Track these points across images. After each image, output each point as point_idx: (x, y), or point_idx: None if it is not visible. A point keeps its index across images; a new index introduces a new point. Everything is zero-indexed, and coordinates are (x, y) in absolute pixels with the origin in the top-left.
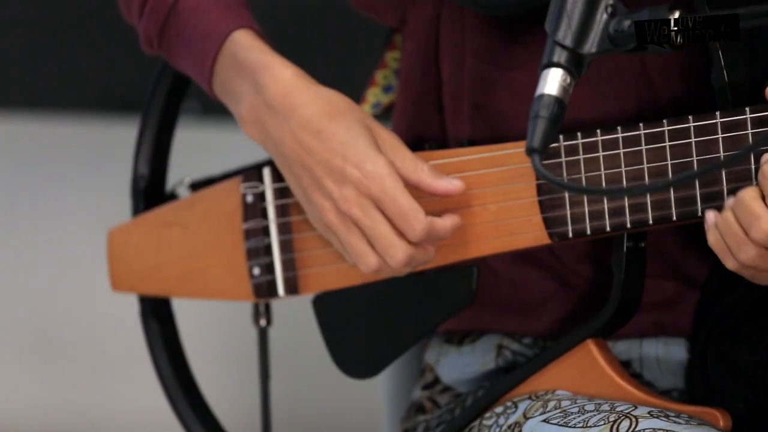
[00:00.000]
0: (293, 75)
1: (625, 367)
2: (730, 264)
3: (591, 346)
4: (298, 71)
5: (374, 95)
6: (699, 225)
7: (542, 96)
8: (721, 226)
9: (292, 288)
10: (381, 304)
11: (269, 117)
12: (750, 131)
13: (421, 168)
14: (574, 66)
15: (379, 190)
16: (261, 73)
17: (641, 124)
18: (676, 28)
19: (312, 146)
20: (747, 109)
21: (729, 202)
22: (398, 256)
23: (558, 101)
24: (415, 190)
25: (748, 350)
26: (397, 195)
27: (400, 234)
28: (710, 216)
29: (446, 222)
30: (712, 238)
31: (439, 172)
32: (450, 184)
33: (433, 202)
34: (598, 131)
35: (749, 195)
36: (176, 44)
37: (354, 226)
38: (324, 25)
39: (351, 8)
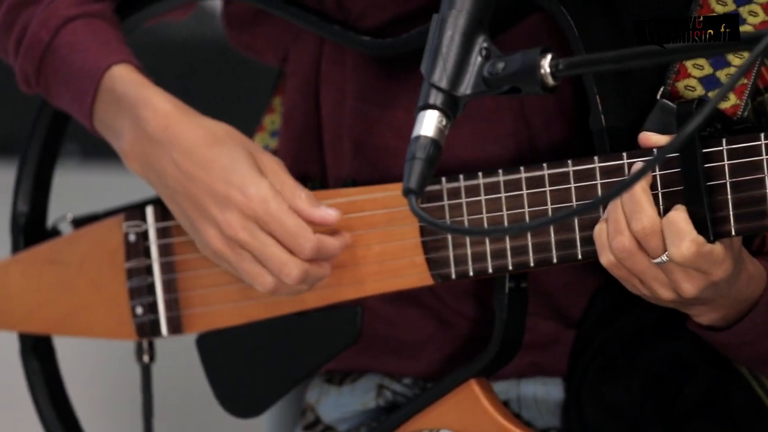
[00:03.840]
0: (173, 107)
1: (504, 406)
2: (604, 258)
3: (474, 386)
4: (177, 103)
5: (262, 140)
6: (578, 266)
7: (418, 137)
8: (609, 213)
9: (175, 327)
10: (265, 344)
11: (151, 150)
12: (627, 177)
13: (298, 195)
14: (450, 108)
15: (264, 212)
16: (141, 106)
17: (522, 168)
18: (547, 71)
19: (195, 175)
20: (624, 154)
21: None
22: (293, 273)
23: (434, 142)
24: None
25: (622, 387)
26: (282, 216)
27: (292, 253)
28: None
29: (335, 241)
30: (598, 229)
31: (317, 201)
32: (326, 214)
33: (319, 231)
34: (480, 174)
35: (640, 186)
36: (54, 82)
37: (243, 251)
38: (211, 68)
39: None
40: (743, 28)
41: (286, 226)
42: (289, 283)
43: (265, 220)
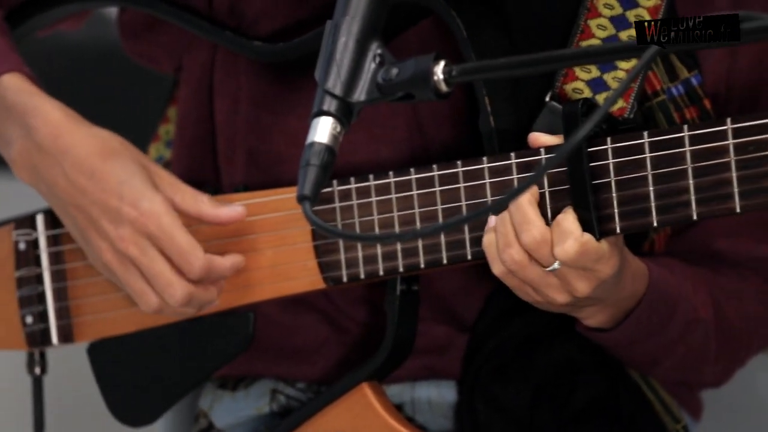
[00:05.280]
0: (64, 116)
1: (398, 410)
2: (496, 269)
3: (366, 390)
4: (69, 112)
5: (157, 150)
6: (469, 269)
7: (313, 144)
8: (497, 225)
9: (66, 336)
10: (157, 351)
11: (41, 159)
12: (516, 176)
13: (201, 200)
14: (344, 114)
15: (156, 228)
16: (31, 115)
17: (412, 169)
18: (440, 78)
19: (86, 187)
20: (512, 154)
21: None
22: (177, 294)
23: (328, 149)
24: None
25: (515, 389)
26: (174, 232)
27: (180, 272)
28: (492, 219)
29: (226, 261)
30: (487, 240)
31: (220, 202)
32: (232, 211)
33: (210, 247)
34: (371, 176)
35: (526, 198)
36: None
37: (132, 266)
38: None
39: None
40: (630, 33)
41: (177, 243)
42: (172, 305)
43: (156, 236)
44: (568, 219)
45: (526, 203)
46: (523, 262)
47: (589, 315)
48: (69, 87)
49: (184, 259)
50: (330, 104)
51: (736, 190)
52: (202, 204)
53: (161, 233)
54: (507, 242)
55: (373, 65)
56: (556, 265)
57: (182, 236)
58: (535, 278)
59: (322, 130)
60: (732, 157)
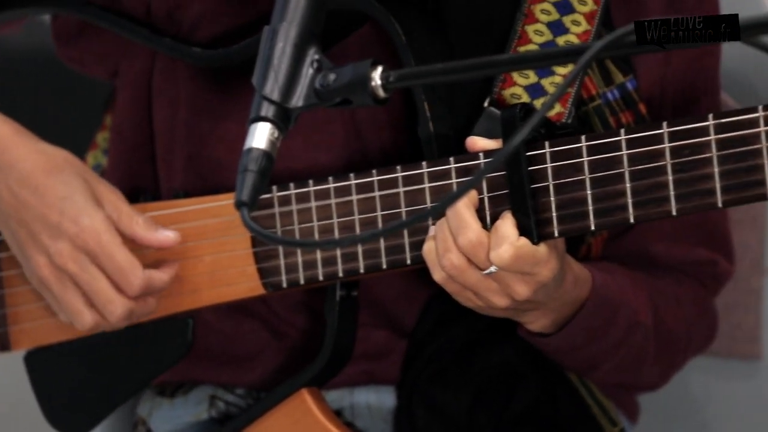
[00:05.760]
0: (12, 131)
1: (337, 415)
2: (437, 275)
3: (305, 396)
4: (16, 127)
5: (94, 158)
6: (409, 275)
7: (250, 150)
8: (437, 232)
9: (3, 344)
10: (95, 359)
11: None
12: (455, 181)
13: (136, 221)
14: (282, 120)
15: (95, 244)
16: None
17: (352, 175)
18: (378, 83)
19: (29, 201)
20: (451, 159)
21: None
22: (117, 311)
23: (266, 155)
24: (132, 242)
25: (453, 394)
26: (113, 250)
27: (119, 289)
28: (432, 228)
29: (164, 275)
30: (427, 248)
31: (155, 225)
32: (164, 236)
33: (149, 254)
34: (311, 182)
35: (463, 202)
36: None
37: (69, 282)
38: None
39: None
40: (567, 38)
41: (116, 260)
42: (111, 321)
43: (96, 253)
44: (506, 224)
45: (463, 207)
46: (462, 267)
47: (532, 319)
48: (4, 94)
49: (123, 277)
50: (267, 110)
51: (672, 193)
52: (137, 226)
53: (100, 250)
54: (446, 247)
55: (310, 71)
56: (492, 268)
57: (122, 254)
58: (475, 283)
59: (260, 135)
60: (668, 161)
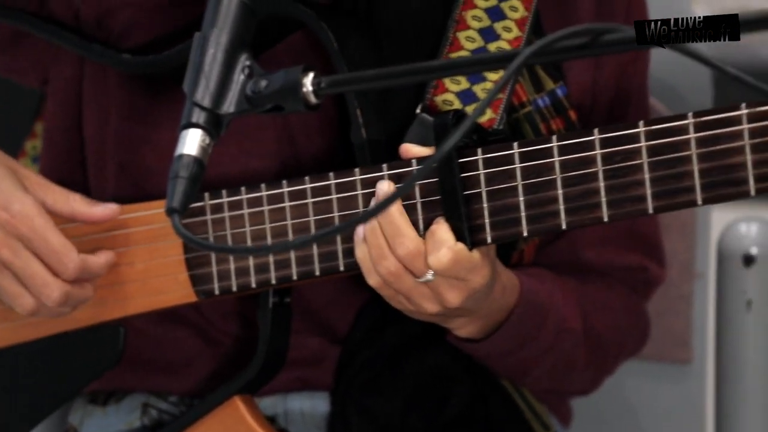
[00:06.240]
0: None
1: (271, 422)
2: (372, 280)
3: (238, 402)
4: None
5: (23, 165)
6: (343, 282)
7: (181, 156)
8: (369, 238)
9: None
10: (25, 367)
11: None
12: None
13: (73, 198)
14: (213, 126)
15: (28, 229)
16: None
17: (284, 182)
18: (310, 89)
19: None
20: (384, 165)
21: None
22: (53, 294)
23: (197, 161)
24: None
25: (386, 399)
26: (47, 234)
27: (55, 272)
28: (359, 231)
29: (100, 259)
30: (360, 253)
31: (93, 201)
32: (106, 209)
33: (85, 242)
34: (243, 189)
35: (396, 209)
36: None
37: (5, 269)
38: None
39: None
40: (498, 44)
41: (50, 244)
42: (49, 305)
43: (29, 238)
44: (442, 228)
45: (398, 215)
46: (398, 273)
47: (459, 326)
48: None
49: (58, 260)
50: (199, 116)
51: (603, 199)
52: (75, 203)
53: (34, 235)
54: (381, 255)
55: (241, 77)
56: (429, 276)
57: (55, 237)
58: (409, 288)
59: (191, 142)
60: (599, 167)
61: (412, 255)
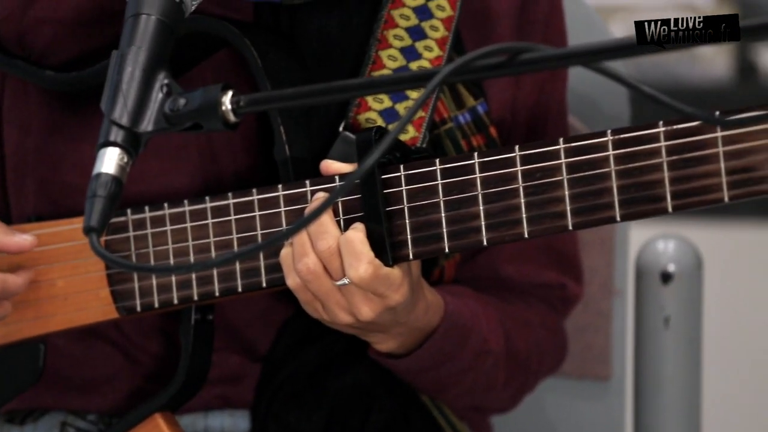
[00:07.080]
0: None
1: None
2: (290, 281)
3: (158, 420)
4: None
5: None
6: (265, 299)
7: (99, 175)
8: (294, 237)
9: None
10: None
11: None
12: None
13: None
14: (131, 145)
15: None
16: None
17: (207, 198)
18: (229, 108)
19: None
20: (308, 182)
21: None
22: None
23: (115, 180)
24: None
25: (307, 417)
26: None
27: None
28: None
29: (18, 278)
30: (284, 252)
31: (10, 230)
32: (21, 240)
33: (3, 260)
34: (166, 205)
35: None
36: None
37: None
38: None
39: None
40: (420, 63)
41: None
42: None
43: None
44: (359, 239)
45: (324, 214)
46: (317, 272)
47: (377, 341)
48: None
49: None
50: (116, 135)
51: (524, 215)
52: None
53: None
54: (303, 251)
55: (160, 95)
56: (345, 279)
57: None
58: (325, 291)
59: (109, 160)
60: (520, 184)
61: (332, 251)
